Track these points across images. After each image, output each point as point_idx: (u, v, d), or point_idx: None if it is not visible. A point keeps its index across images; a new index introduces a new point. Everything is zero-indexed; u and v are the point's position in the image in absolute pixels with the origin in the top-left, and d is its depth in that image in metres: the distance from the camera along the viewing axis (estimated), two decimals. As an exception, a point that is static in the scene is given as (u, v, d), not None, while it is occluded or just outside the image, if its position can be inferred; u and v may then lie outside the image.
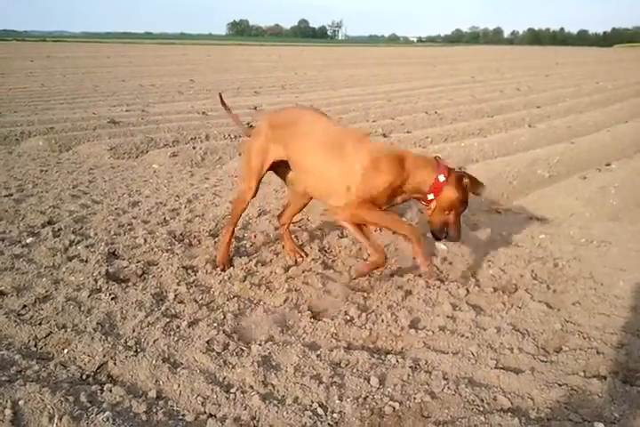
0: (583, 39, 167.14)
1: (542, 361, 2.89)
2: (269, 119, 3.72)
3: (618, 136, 9.84)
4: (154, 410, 2.42)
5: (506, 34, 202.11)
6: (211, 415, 2.43)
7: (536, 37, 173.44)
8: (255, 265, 3.92)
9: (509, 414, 2.42)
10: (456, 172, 3.36)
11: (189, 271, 3.79)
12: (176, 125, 9.90)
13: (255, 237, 4.48)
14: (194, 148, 8.01)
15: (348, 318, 3.26)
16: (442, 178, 3.28)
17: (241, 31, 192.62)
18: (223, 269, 3.83)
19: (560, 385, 2.67)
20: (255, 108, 12.29)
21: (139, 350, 2.85)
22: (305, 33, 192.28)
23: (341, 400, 2.50)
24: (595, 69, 30.32)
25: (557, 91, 17.60)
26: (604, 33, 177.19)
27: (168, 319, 3.12)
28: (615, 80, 21.91)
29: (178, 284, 3.58)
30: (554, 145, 8.90)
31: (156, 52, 45.65)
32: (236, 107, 12.43)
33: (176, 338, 2.95)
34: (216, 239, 4.36)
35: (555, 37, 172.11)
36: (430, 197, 3.32)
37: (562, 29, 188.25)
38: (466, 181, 3.30)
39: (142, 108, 12.13)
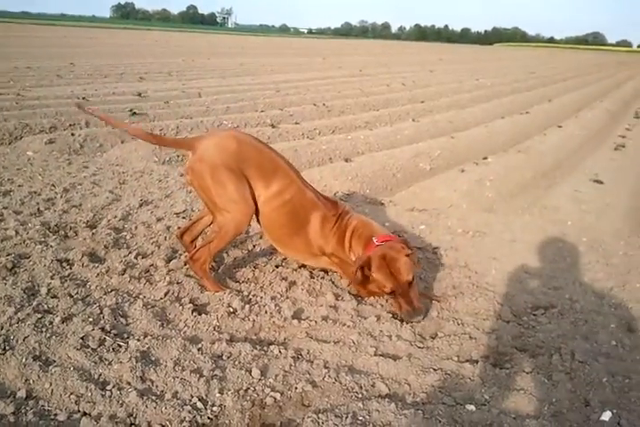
0: (466, 37, 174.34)
1: (419, 347, 2.99)
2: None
3: (495, 131, 10.37)
4: (23, 411, 2.29)
5: (394, 29, 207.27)
6: (85, 414, 2.33)
7: (422, 33, 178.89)
8: (135, 257, 3.79)
9: (387, 399, 2.48)
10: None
11: (64, 264, 3.60)
12: (53, 111, 9.40)
13: (136, 228, 4.33)
14: (72, 134, 7.65)
15: (231, 310, 3.22)
16: None
17: (126, 14, 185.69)
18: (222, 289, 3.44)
19: (435, 370, 2.78)
20: (140, 94, 11.92)
21: (7, 348, 2.67)
22: (193, 19, 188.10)
23: (222, 393, 2.47)
24: (476, 67, 31.75)
25: (440, 86, 18.28)
26: (486, 31, 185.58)
27: (40, 315, 2.95)
28: (494, 77, 23.05)
29: (51, 278, 3.40)
30: (436, 139, 9.24)
31: (34, 32, 43.20)
32: (119, 93, 12.04)
33: (48, 335, 2.80)
34: (93, 231, 4.18)
35: (440, 34, 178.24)
36: None
37: (446, 27, 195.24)
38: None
39: (17, 91, 11.42)
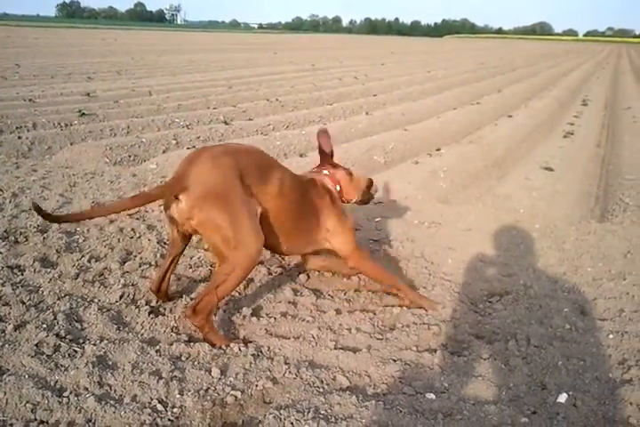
0: (416, 29, 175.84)
1: (378, 339, 3.01)
2: None
3: (447, 123, 10.49)
4: (-24, 423, 2.23)
5: (345, 23, 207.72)
6: (42, 422, 2.27)
7: (373, 27, 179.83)
8: (88, 261, 3.71)
9: (348, 392, 2.49)
10: None
11: (15, 271, 3.51)
12: (-1, 113, 9.15)
13: (88, 231, 4.24)
14: (19, 137, 7.47)
15: (189, 310, 3.19)
16: None
17: (72, 13, 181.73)
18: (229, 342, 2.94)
19: (395, 361, 2.80)
20: (88, 94, 11.69)
21: (-43, 358, 2.61)
22: (141, 16, 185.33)
23: (182, 394, 2.45)
24: (426, 59, 32.05)
25: (392, 79, 18.41)
26: (436, 24, 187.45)
27: (-9, 324, 2.88)
28: (445, 69, 23.31)
29: (2, 285, 3.30)
30: (389, 132, 9.31)
31: (-25, 33, 41.93)
32: (66, 93, 11.79)
33: (1, 343, 2.72)
34: (44, 235, 4.08)
35: (390, 27, 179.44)
36: None
37: (397, 20, 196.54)
38: None
39: (-41, 94, 11.09)
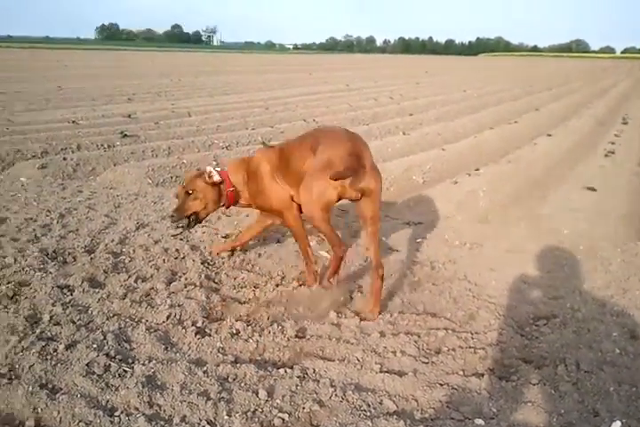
0: (450, 48, 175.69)
1: (424, 363, 3.00)
2: None
3: (485, 142, 10.44)
4: (31, 441, 2.28)
5: (378, 42, 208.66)
6: (94, 441, 2.32)
7: (407, 46, 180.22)
8: (135, 281, 3.78)
9: (395, 416, 2.49)
10: None
11: (65, 291, 3.59)
12: (44, 135, 9.40)
13: (134, 251, 4.32)
14: (64, 159, 7.64)
15: (234, 331, 3.22)
16: None
17: (111, 35, 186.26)
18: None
19: (441, 385, 2.79)
20: (129, 115, 11.94)
21: (13, 377, 2.66)
22: (179, 38, 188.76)
23: (230, 416, 2.47)
24: (461, 78, 32.00)
25: (428, 99, 18.41)
26: (470, 42, 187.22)
27: (44, 343, 2.94)
28: (480, 88, 23.24)
29: (53, 304, 3.39)
30: (426, 151, 9.30)
31: (18, 55, 43.21)
32: (108, 115, 12.06)
33: (53, 362, 2.79)
34: (92, 255, 4.17)
35: (424, 46, 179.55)
36: None
37: (430, 39, 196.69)
38: None
39: (7, 117, 11.41)
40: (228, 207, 4.03)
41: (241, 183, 3.86)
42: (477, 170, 7.91)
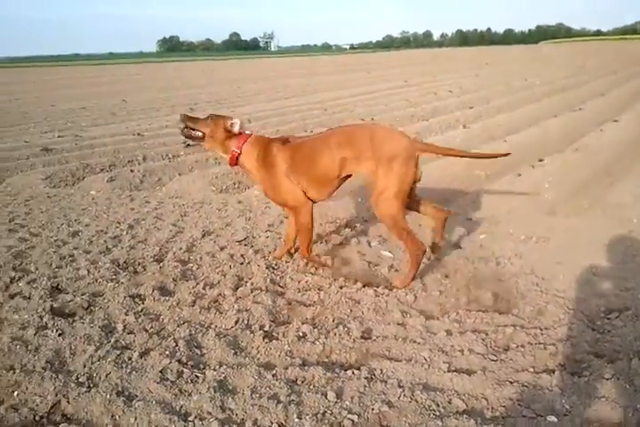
0: (510, 37, 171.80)
1: (492, 360, 2.96)
2: None
3: (548, 131, 10.18)
4: (111, 446, 2.38)
5: (435, 37, 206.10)
6: (171, 446, 2.40)
7: (465, 39, 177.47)
8: (203, 288, 3.89)
9: (465, 415, 2.47)
10: None
11: (136, 300, 3.73)
12: (111, 149, 9.75)
13: (201, 259, 4.44)
14: (131, 171, 7.90)
15: (301, 334, 3.27)
16: None
17: (172, 47, 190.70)
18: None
19: (511, 382, 2.75)
20: (192, 125, 12.18)
21: (91, 385, 2.79)
22: (237, 46, 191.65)
23: (300, 418, 2.51)
24: (522, 67, 31.25)
25: (488, 90, 18.08)
26: (529, 30, 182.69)
27: (119, 351, 3.07)
28: (542, 76, 22.63)
29: (126, 314, 3.52)
30: (488, 144, 9.13)
31: (85, 73, 44.83)
32: (172, 125, 12.37)
33: (128, 370, 2.91)
34: (161, 264, 4.31)
35: (483, 37, 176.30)
36: None
37: (489, 29, 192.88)
38: None
39: (75, 132, 11.89)
40: (231, 165, 4.21)
41: (250, 159, 4.08)
42: (541, 160, 7.73)
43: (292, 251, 4.49)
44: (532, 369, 2.87)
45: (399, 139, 3.79)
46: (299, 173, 3.92)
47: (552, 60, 38.74)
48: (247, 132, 4.14)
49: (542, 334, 3.18)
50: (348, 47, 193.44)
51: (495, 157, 4.27)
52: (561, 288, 3.77)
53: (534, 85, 19.06)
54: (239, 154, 4.06)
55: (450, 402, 2.61)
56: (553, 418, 2.46)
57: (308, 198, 4.00)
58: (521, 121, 11.45)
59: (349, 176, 4.01)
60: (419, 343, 3.15)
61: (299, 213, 4.03)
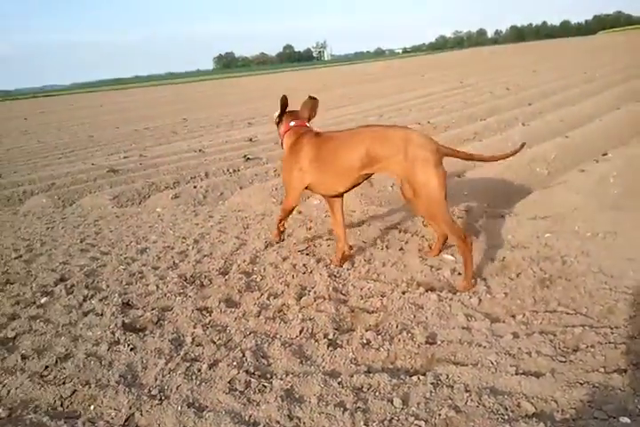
0: (566, 29, 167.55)
1: (561, 362, 2.90)
2: None
3: (611, 124, 9.88)
4: (186, 457, 2.45)
5: (489, 34, 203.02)
6: (242, 456, 2.45)
7: (520, 34, 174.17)
8: (267, 299, 3.96)
9: (534, 419, 2.44)
10: None
11: (204, 313, 3.84)
12: (175, 166, 10.03)
13: (264, 270, 4.53)
14: (195, 187, 8.10)
15: (365, 341, 3.28)
16: None
17: (228, 64, 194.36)
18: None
19: (582, 384, 2.69)
20: (250, 139, 12.42)
21: (163, 398, 2.88)
22: (291, 57, 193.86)
23: (367, 425, 2.53)
24: (581, 59, 30.45)
25: (546, 86, 17.69)
26: (586, 21, 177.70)
27: (188, 364, 3.16)
28: (602, 68, 21.99)
29: (194, 327, 3.63)
30: (549, 141, 8.93)
31: (146, 95, 46.27)
32: (232, 140, 12.63)
33: (198, 382, 2.99)
34: (226, 277, 4.42)
35: (538, 32, 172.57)
36: None
37: (544, 23, 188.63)
38: None
39: (139, 152, 12.29)
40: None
41: (285, 145, 4.53)
42: (605, 155, 7.51)
43: (348, 251, 4.55)
44: (602, 369, 2.79)
45: (430, 142, 3.88)
46: (322, 162, 4.14)
47: (612, 50, 37.55)
48: (292, 123, 4.62)
49: (613, 333, 3.10)
50: (400, 51, 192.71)
51: (511, 155, 4.27)
52: (631, 285, 3.65)
53: (594, 78, 18.53)
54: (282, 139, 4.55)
55: (518, 405, 2.58)
56: (626, 419, 2.40)
57: (321, 192, 4.42)
58: (582, 115, 11.16)
59: (370, 176, 4.20)
60: (485, 347, 3.12)
61: (286, 199, 4.50)
